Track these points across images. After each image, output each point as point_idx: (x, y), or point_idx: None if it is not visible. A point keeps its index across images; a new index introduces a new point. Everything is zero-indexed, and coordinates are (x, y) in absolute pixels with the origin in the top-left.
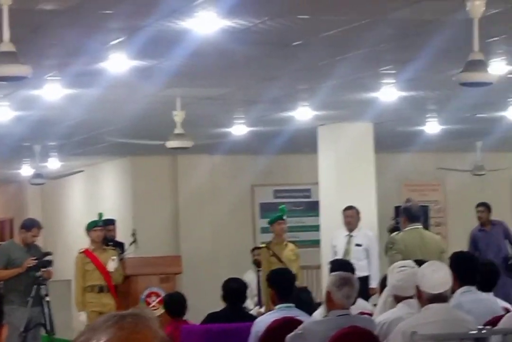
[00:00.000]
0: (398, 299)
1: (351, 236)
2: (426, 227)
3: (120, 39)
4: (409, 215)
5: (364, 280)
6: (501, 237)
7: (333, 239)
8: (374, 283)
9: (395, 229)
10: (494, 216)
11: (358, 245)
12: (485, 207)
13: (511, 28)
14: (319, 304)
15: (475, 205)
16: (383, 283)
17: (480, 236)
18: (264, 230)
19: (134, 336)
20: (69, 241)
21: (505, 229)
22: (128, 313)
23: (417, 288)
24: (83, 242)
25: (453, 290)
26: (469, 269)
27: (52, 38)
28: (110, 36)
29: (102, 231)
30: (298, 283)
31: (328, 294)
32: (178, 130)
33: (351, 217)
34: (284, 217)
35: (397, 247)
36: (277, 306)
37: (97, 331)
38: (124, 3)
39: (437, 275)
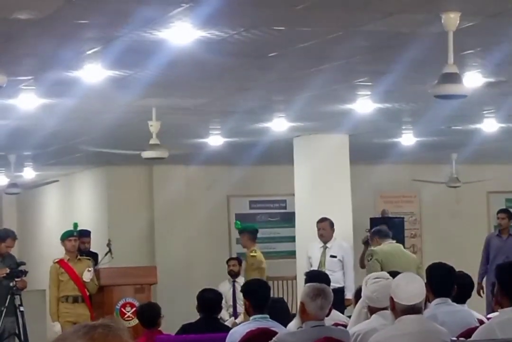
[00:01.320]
0: (372, 310)
1: (326, 247)
2: (398, 241)
3: (95, 49)
4: (380, 234)
5: (339, 291)
6: None
7: (308, 250)
8: (349, 294)
9: (369, 240)
10: (469, 229)
11: (332, 256)
12: (506, 213)
13: (485, 41)
14: (294, 315)
15: (450, 216)
16: (357, 294)
17: (494, 241)
18: (239, 241)
19: None
20: (44, 250)
21: None
22: (99, 324)
23: (391, 299)
24: (58, 252)
25: (428, 301)
26: (445, 280)
27: (27, 48)
28: (85, 46)
29: (77, 240)
30: None
31: (302, 305)
32: (153, 140)
33: (323, 229)
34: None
35: (376, 257)
36: (252, 317)
37: (67, 341)
38: (100, 13)
39: (411, 287)
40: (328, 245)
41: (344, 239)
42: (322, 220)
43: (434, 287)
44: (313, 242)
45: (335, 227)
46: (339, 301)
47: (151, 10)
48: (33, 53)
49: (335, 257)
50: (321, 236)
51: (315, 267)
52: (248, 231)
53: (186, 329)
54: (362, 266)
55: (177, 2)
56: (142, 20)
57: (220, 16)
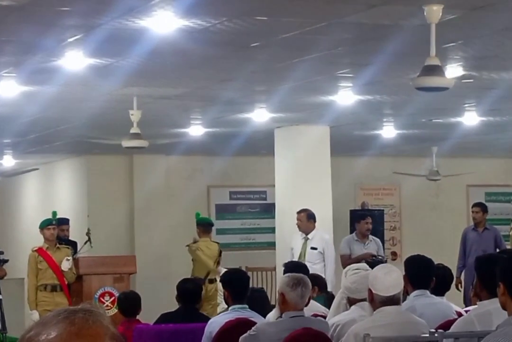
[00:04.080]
0: (351, 301)
1: (307, 239)
2: (378, 233)
3: (76, 37)
4: None
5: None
6: (491, 243)
7: (291, 241)
8: (329, 286)
9: None
10: (449, 222)
11: (313, 248)
12: (480, 207)
13: (467, 33)
14: (274, 306)
15: (429, 209)
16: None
17: (471, 235)
18: (219, 231)
19: (84, 332)
20: (23, 239)
21: (496, 236)
22: (79, 309)
23: (369, 291)
24: (37, 240)
25: (406, 294)
26: (423, 273)
27: (7, 35)
28: (67, 33)
29: (56, 229)
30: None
31: (282, 295)
32: (134, 129)
33: (300, 220)
34: None
35: None
36: (231, 307)
37: (47, 325)
38: (81, 0)
39: (389, 277)
40: (309, 236)
41: (324, 230)
42: (299, 212)
43: (413, 279)
44: (296, 233)
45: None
46: None
47: None
48: (14, 40)
49: (315, 249)
50: (298, 227)
51: (296, 258)
52: (199, 224)
53: (165, 318)
54: None
55: None
56: (124, 8)
57: (203, 5)
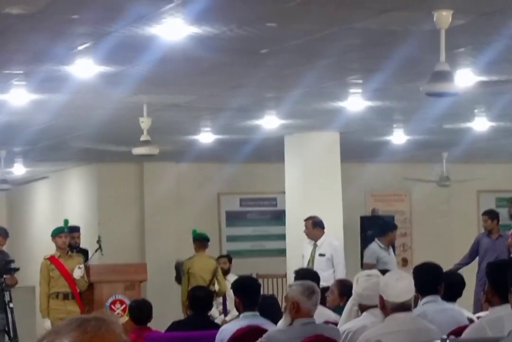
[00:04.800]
0: (363, 308)
1: (316, 245)
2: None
3: (86, 45)
4: None
5: (328, 290)
6: (504, 249)
7: (303, 248)
8: None
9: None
10: (459, 228)
11: (321, 254)
12: (487, 215)
13: (477, 39)
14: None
15: (440, 215)
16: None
17: (484, 241)
18: (230, 238)
19: (97, 340)
20: (34, 247)
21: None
22: (92, 317)
23: (380, 297)
24: (49, 248)
25: (416, 301)
26: (432, 279)
27: (18, 43)
28: (77, 41)
29: (67, 237)
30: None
31: (296, 304)
32: (144, 137)
33: (306, 227)
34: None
35: None
36: (242, 314)
37: (60, 334)
38: (91, 8)
39: (400, 284)
40: (318, 243)
41: (334, 237)
42: (306, 219)
43: (421, 287)
44: (307, 240)
45: (325, 225)
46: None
47: (143, 5)
48: (24, 48)
49: (323, 255)
50: (306, 235)
51: (305, 265)
52: (196, 239)
53: (176, 326)
54: None
55: None
56: (134, 15)
57: (212, 12)
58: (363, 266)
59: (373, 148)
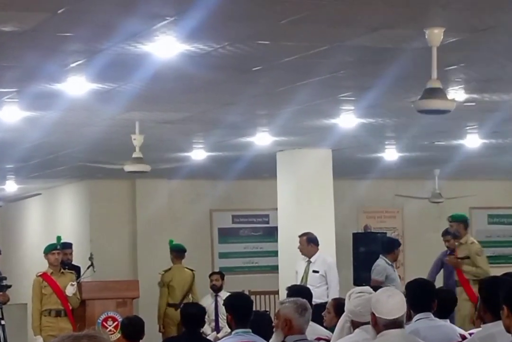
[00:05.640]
0: (355, 324)
1: (310, 262)
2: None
3: (79, 62)
4: None
5: (322, 306)
6: None
7: (297, 265)
8: None
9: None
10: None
11: (315, 271)
12: (450, 236)
13: (469, 56)
14: None
15: (432, 232)
16: (338, 308)
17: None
18: (222, 255)
19: None
20: (26, 264)
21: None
22: (84, 334)
23: (372, 314)
24: (40, 265)
25: (409, 318)
26: (424, 296)
27: (10, 60)
28: (69, 58)
29: (60, 254)
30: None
31: (289, 321)
32: (136, 154)
33: (301, 244)
34: None
35: None
36: (234, 331)
37: None
38: (83, 26)
39: (392, 301)
40: (312, 259)
41: (327, 253)
42: (300, 236)
43: (414, 303)
44: (301, 256)
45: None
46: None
47: (136, 23)
48: (17, 65)
49: (317, 272)
50: (300, 251)
51: (298, 282)
52: (173, 250)
53: None
54: None
55: (162, 16)
56: (126, 33)
57: (205, 30)
58: (372, 282)
59: (366, 165)
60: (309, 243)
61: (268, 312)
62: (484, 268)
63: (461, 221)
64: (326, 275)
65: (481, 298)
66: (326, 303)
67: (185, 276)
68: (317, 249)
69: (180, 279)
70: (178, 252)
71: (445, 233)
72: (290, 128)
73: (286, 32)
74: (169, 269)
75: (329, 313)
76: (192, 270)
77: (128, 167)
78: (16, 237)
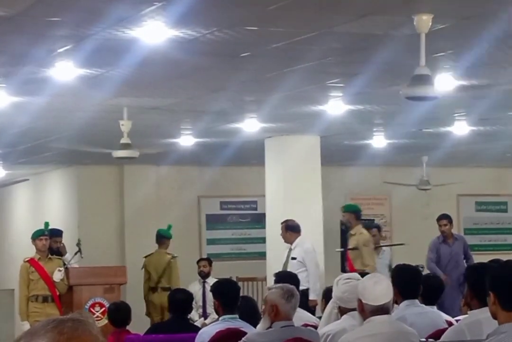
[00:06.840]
0: (343, 311)
1: (290, 249)
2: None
3: (67, 47)
4: None
5: (302, 292)
6: (461, 252)
7: (283, 252)
8: (312, 295)
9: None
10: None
11: (293, 258)
12: (447, 220)
13: (457, 43)
14: None
15: (420, 219)
16: (326, 295)
17: (442, 249)
18: (210, 242)
19: (73, 341)
20: (14, 250)
21: (465, 245)
22: (68, 318)
23: (359, 301)
24: (27, 251)
25: (396, 304)
26: (412, 282)
27: None
28: (57, 44)
29: (48, 240)
30: None
31: (275, 307)
32: (124, 140)
33: (281, 231)
34: None
35: None
36: (221, 317)
37: (36, 335)
38: (72, 11)
39: (379, 287)
40: (292, 246)
41: (315, 240)
42: (281, 223)
43: (401, 289)
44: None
45: (305, 228)
46: (303, 303)
47: (124, 8)
48: (4, 50)
49: (294, 258)
50: (282, 238)
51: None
52: (156, 235)
53: (156, 328)
54: None
55: (150, 1)
56: (114, 18)
57: (193, 15)
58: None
59: (354, 152)
60: (287, 230)
61: (251, 297)
62: (367, 259)
63: (352, 211)
64: (304, 261)
65: (468, 285)
66: (306, 289)
67: (161, 261)
68: (297, 236)
69: (155, 263)
70: (158, 238)
71: (441, 217)
72: (278, 114)
73: (274, 18)
74: (151, 254)
75: (322, 302)
76: (172, 256)
77: (116, 153)
78: (3, 223)
